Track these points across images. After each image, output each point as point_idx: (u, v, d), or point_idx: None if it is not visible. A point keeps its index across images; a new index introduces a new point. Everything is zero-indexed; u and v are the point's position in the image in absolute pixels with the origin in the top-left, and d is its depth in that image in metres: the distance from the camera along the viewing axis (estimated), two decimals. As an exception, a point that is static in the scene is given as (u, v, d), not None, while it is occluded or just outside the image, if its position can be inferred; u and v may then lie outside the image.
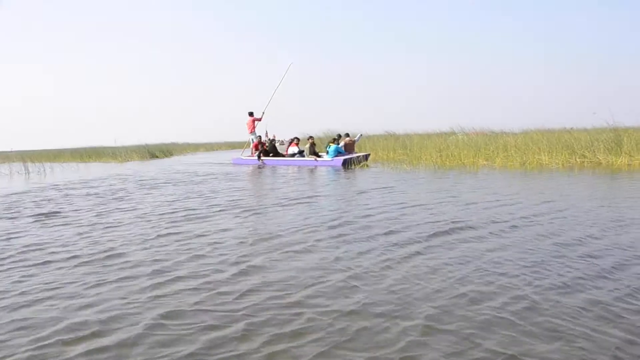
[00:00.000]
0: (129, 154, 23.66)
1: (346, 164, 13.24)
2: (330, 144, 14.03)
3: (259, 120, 16.23)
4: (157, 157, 24.17)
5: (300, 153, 14.90)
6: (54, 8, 68.56)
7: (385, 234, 4.19)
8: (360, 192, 7.39)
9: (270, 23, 73.20)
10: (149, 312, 2.43)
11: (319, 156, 14.25)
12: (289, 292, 2.71)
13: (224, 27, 74.89)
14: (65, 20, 69.43)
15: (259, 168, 13.89)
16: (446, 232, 4.19)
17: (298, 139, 15.54)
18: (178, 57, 75.70)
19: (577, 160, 11.88)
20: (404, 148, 15.56)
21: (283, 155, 15.52)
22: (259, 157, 15.11)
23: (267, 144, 15.65)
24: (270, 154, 15.38)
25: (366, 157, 14.70)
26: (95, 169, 16.54)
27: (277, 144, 17.01)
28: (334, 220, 4.89)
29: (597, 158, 11.68)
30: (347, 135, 15.15)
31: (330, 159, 13.69)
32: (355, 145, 15.10)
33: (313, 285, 2.82)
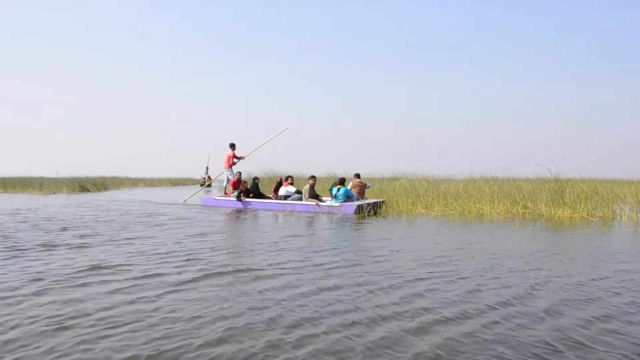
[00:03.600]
0: (57, 186, 21.64)
1: (358, 211, 10.82)
2: (339, 187, 11.61)
3: (238, 159, 13.99)
4: (88, 190, 22.21)
5: (296, 195, 12.44)
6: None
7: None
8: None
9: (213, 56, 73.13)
10: None
11: (322, 200, 11.93)
12: None
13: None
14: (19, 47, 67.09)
15: (238, 212, 11.30)
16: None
17: (292, 178, 13.08)
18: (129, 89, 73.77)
19: (519, 210, 11.18)
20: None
21: (269, 197, 13.04)
22: (238, 197, 12.55)
23: (246, 183, 13.05)
24: (251, 195, 12.82)
25: (381, 204, 12.10)
26: (6, 202, 14.59)
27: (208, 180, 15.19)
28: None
29: (539, 209, 11.03)
30: (358, 176, 12.57)
31: (338, 204, 11.27)
32: (365, 191, 12.52)
33: None
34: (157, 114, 73.97)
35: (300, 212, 11.36)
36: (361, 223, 8.87)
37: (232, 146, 14.09)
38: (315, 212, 11.18)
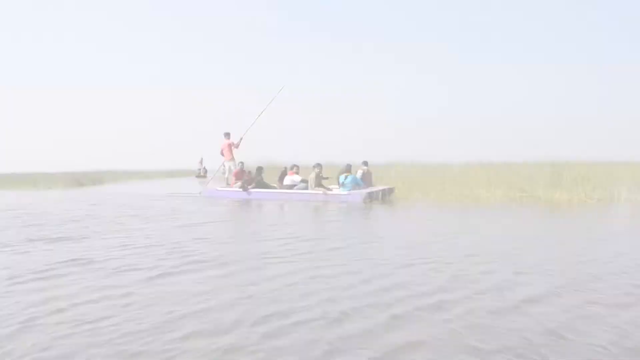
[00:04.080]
0: (52, 182, 21.47)
1: (367, 199, 10.41)
2: (347, 175, 11.30)
3: (235, 146, 13.38)
4: (84, 185, 22.05)
5: (302, 184, 11.90)
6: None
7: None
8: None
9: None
10: None
11: (329, 189, 11.41)
12: None
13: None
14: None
15: (243, 201, 11.10)
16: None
17: (298, 167, 12.57)
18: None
19: (516, 194, 11.05)
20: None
21: (274, 187, 12.54)
22: (243, 187, 12.18)
23: (250, 173, 12.54)
24: (254, 184, 12.28)
25: (390, 191, 11.82)
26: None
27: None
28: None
29: (537, 192, 10.90)
30: (366, 163, 12.26)
31: (345, 192, 10.93)
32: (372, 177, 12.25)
33: None
34: (154, 109, 73.59)
35: (306, 201, 10.93)
36: (363, 210, 8.80)
37: (227, 135, 13.61)
38: (322, 202, 10.80)
